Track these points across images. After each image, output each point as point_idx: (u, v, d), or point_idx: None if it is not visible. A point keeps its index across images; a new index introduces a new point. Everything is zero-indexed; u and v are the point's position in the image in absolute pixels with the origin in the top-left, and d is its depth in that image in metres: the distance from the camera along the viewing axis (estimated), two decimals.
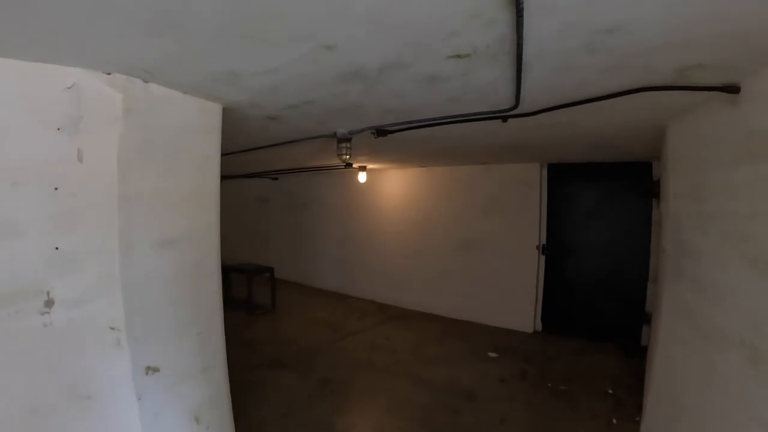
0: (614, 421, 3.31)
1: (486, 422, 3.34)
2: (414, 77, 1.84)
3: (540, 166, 5.58)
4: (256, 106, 2.37)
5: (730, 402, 1.83)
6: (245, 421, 3.17)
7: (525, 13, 1.14)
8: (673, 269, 2.65)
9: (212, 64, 1.68)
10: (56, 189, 1.66)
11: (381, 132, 2.99)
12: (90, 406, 1.78)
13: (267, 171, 7.63)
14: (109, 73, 1.75)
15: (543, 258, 5.63)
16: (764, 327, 1.61)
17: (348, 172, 7.17)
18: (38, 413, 1.64)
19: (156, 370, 1.98)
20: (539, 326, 5.68)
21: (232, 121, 2.57)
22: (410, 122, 2.75)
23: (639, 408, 3.38)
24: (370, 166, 6.40)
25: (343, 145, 3.14)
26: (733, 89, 1.80)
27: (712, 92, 1.89)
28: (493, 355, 4.82)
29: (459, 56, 1.55)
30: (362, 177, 6.29)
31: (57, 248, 1.67)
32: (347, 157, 3.18)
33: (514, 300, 5.75)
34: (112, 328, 1.80)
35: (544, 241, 5.62)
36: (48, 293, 1.66)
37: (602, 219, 5.24)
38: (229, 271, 6.79)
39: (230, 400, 2.52)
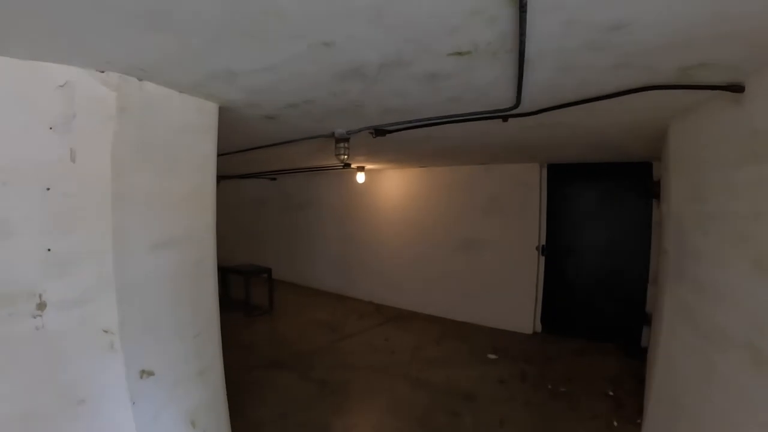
0: (615, 423, 3.28)
1: (485, 423, 3.31)
2: (414, 75, 1.81)
3: (540, 166, 5.55)
4: (253, 106, 2.34)
5: (731, 404, 1.81)
6: (243, 423, 3.14)
7: (528, 9, 1.11)
8: (675, 270, 2.63)
9: (209, 62, 1.64)
10: (48, 189, 1.63)
11: (379, 132, 2.96)
12: (83, 410, 1.74)
13: (265, 171, 7.60)
14: (103, 71, 1.71)
15: (543, 258, 5.61)
16: (767, 328, 1.58)
17: (346, 173, 7.14)
18: (30, 418, 1.61)
19: (151, 373, 1.94)
20: (539, 327, 5.66)
21: (229, 121, 2.54)
22: (409, 122, 2.72)
23: (640, 410, 3.36)
24: (368, 166, 6.37)
25: (341, 145, 3.12)
26: (737, 88, 1.77)
27: (715, 91, 1.87)
28: (492, 356, 4.79)
29: (459, 54, 1.52)
30: (360, 177, 6.27)
31: (49, 250, 1.64)
32: (345, 157, 3.15)
33: (513, 301, 5.73)
34: (106, 331, 1.77)
35: (543, 241, 5.60)
36: (40, 296, 1.63)
37: (602, 219, 5.22)
38: (227, 272, 6.77)
39: (227, 403, 2.49)
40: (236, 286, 6.85)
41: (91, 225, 1.73)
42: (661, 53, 1.51)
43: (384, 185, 7.14)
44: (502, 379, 4.15)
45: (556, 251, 5.55)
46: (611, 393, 3.80)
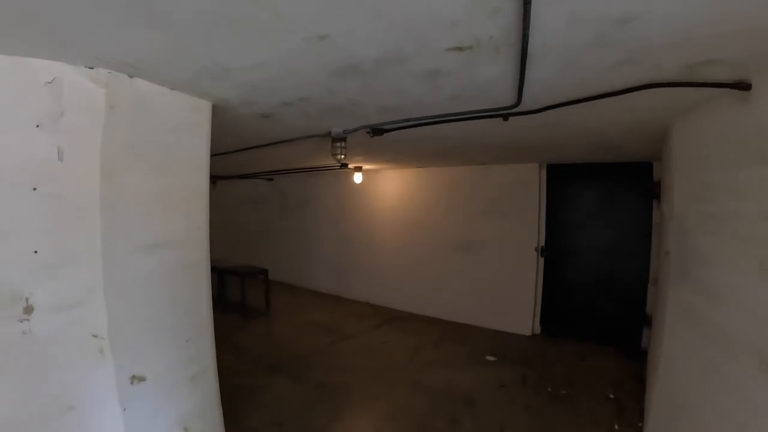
0: (616, 426, 3.24)
1: (485, 428, 3.26)
2: (413, 72, 1.76)
3: (539, 166, 5.51)
4: (247, 104, 2.29)
5: (737, 409, 1.76)
6: (237, 429, 3.09)
7: (532, 0, 1.06)
8: (677, 271, 2.59)
9: (201, 57, 1.59)
10: (35, 189, 1.59)
11: (377, 131, 2.91)
12: (72, 417, 1.70)
13: (262, 172, 7.55)
14: (92, 68, 1.67)
15: (542, 260, 5.57)
16: None
17: (343, 173, 7.09)
18: (17, 425, 1.56)
19: (142, 379, 1.89)
20: (538, 329, 5.61)
21: (223, 120, 2.49)
22: (408, 120, 2.67)
23: (641, 413, 3.32)
24: (366, 166, 6.33)
25: (338, 144, 3.07)
26: (744, 86, 1.73)
27: (721, 89, 1.83)
28: (491, 358, 4.74)
29: (460, 48, 1.47)
30: (358, 178, 6.22)
31: (36, 252, 1.60)
32: (342, 156, 3.10)
33: (512, 302, 5.68)
34: (95, 336, 1.72)
35: (543, 242, 5.56)
36: (27, 299, 1.58)
37: (602, 220, 5.18)
38: (223, 273, 6.71)
39: (221, 408, 2.43)
40: (232, 287, 6.78)
41: (79, 226, 1.69)
42: (668, 49, 1.47)
43: (382, 186, 7.10)
44: (502, 382, 4.10)
45: (555, 252, 5.51)
46: (612, 396, 3.76)
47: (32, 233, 1.58)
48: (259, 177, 8.19)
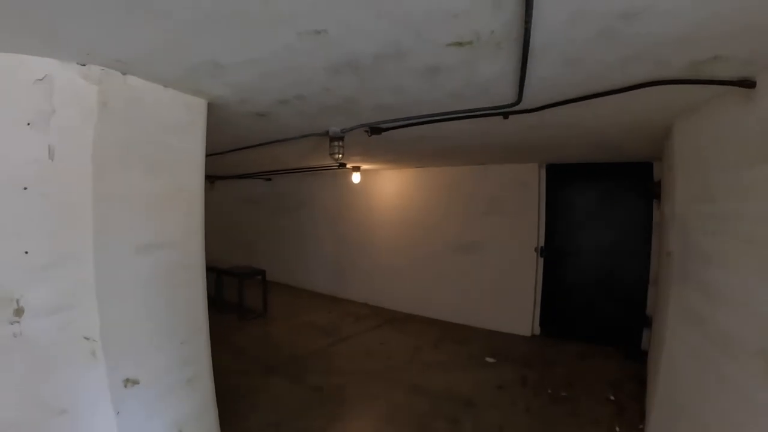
0: (617, 428, 3.21)
1: (485, 430, 3.23)
2: (412, 68, 1.73)
3: (539, 166, 5.48)
4: (242, 102, 2.26)
5: (737, 410, 1.74)
6: None
7: None
8: (679, 272, 2.57)
9: (193, 54, 1.56)
10: (25, 189, 1.56)
11: (375, 130, 2.88)
12: (64, 420, 1.67)
13: (259, 172, 7.52)
14: (84, 65, 1.63)
15: (542, 260, 5.54)
16: None
17: (341, 173, 7.06)
18: (8, 428, 1.54)
19: (135, 382, 1.86)
20: (537, 330, 5.59)
21: (218, 119, 2.46)
22: (406, 119, 2.63)
23: (641, 414, 3.30)
24: (364, 166, 6.29)
25: (336, 143, 3.03)
26: (748, 84, 1.71)
27: (724, 87, 1.81)
28: (490, 359, 4.71)
29: (460, 44, 1.44)
30: (356, 178, 6.19)
31: (27, 252, 1.56)
32: (340, 156, 3.07)
33: (512, 303, 5.65)
34: (87, 338, 1.69)
35: (542, 243, 5.53)
36: (17, 301, 1.55)
37: (602, 220, 5.15)
38: (220, 274, 6.66)
39: (217, 411, 2.40)
40: (230, 288, 6.74)
41: (71, 226, 1.66)
42: (673, 45, 1.44)
43: (380, 186, 7.06)
44: (502, 383, 4.07)
45: (555, 252, 5.48)
46: (612, 397, 3.73)
47: (23, 234, 1.56)
48: (257, 177, 8.15)
